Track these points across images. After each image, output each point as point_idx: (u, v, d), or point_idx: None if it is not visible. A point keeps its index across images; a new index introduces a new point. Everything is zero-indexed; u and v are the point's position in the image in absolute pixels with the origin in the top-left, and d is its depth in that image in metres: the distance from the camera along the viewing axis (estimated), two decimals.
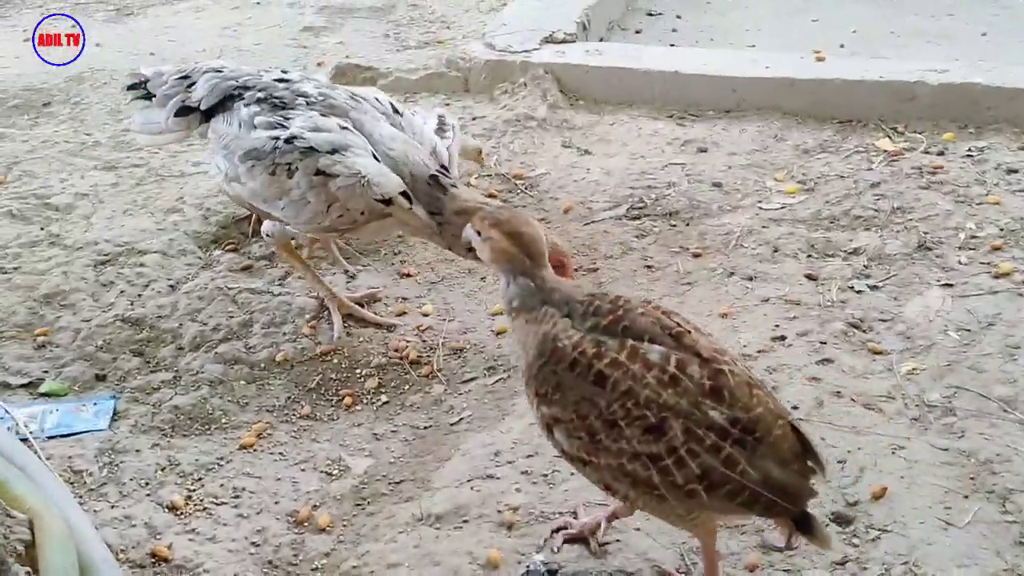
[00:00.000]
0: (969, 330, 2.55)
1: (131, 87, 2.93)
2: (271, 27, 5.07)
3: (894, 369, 2.42)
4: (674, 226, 3.22)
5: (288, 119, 2.56)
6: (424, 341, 2.78)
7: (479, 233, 1.85)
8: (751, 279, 2.87)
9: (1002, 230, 2.99)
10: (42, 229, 3.25)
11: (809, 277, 2.85)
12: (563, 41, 4.30)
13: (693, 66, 4.02)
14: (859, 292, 2.77)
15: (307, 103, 2.61)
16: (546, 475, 2.21)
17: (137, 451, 2.34)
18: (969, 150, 3.48)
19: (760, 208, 3.26)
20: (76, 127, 3.97)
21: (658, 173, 3.53)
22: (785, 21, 5.43)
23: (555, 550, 1.99)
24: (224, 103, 2.70)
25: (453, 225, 2.40)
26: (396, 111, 2.70)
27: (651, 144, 3.73)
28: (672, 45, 4.90)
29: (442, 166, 2.57)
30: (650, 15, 5.57)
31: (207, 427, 2.44)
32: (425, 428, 2.45)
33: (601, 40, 4.83)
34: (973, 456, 2.11)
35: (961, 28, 5.26)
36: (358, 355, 2.72)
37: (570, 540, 2.01)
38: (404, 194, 2.48)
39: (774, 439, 1.62)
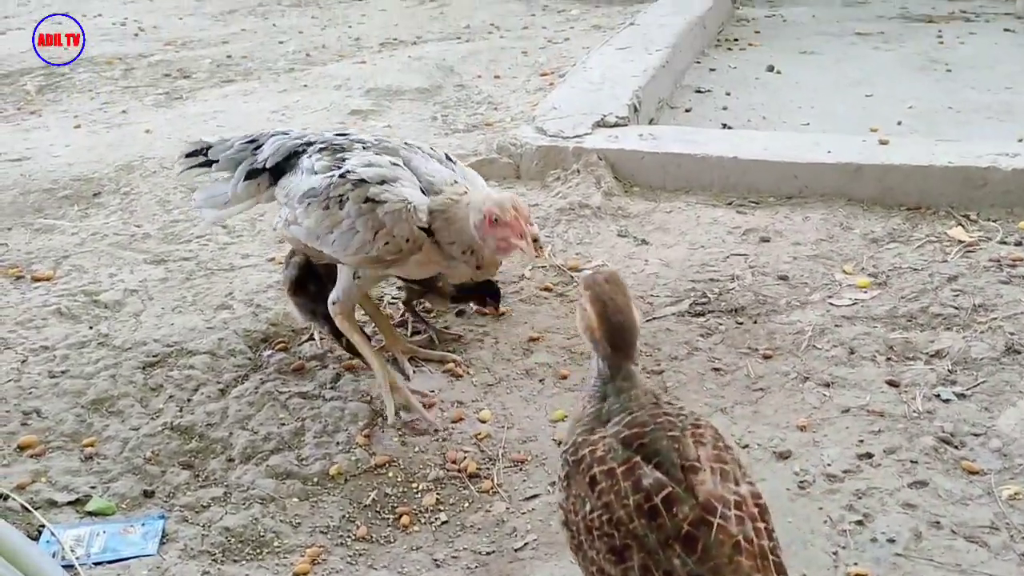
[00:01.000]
0: None
1: (190, 154, 2.97)
2: (319, 110, 5.08)
3: (994, 493, 2.24)
4: (740, 323, 3.08)
5: (344, 160, 2.71)
6: (483, 451, 2.65)
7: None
8: (828, 385, 2.72)
9: None
10: (91, 328, 3.18)
11: (891, 384, 2.69)
12: (615, 125, 4.23)
13: (752, 151, 3.91)
14: (946, 401, 2.60)
15: (363, 147, 2.75)
16: None
17: None
18: None
19: (831, 304, 3.11)
20: (126, 218, 3.95)
21: (720, 265, 3.41)
22: (838, 97, 5.35)
23: None
24: (289, 160, 2.82)
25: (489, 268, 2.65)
26: (449, 159, 2.80)
27: (711, 233, 3.61)
28: (724, 124, 4.83)
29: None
30: (699, 92, 5.52)
31: (259, 551, 2.31)
32: (488, 554, 2.30)
33: (651, 121, 4.77)
34: None
35: (1021, 102, 5.13)
36: (414, 467, 2.59)
37: None
38: None
39: None
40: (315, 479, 2.55)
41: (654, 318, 3.15)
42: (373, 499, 2.50)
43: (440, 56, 6.02)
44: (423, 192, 2.63)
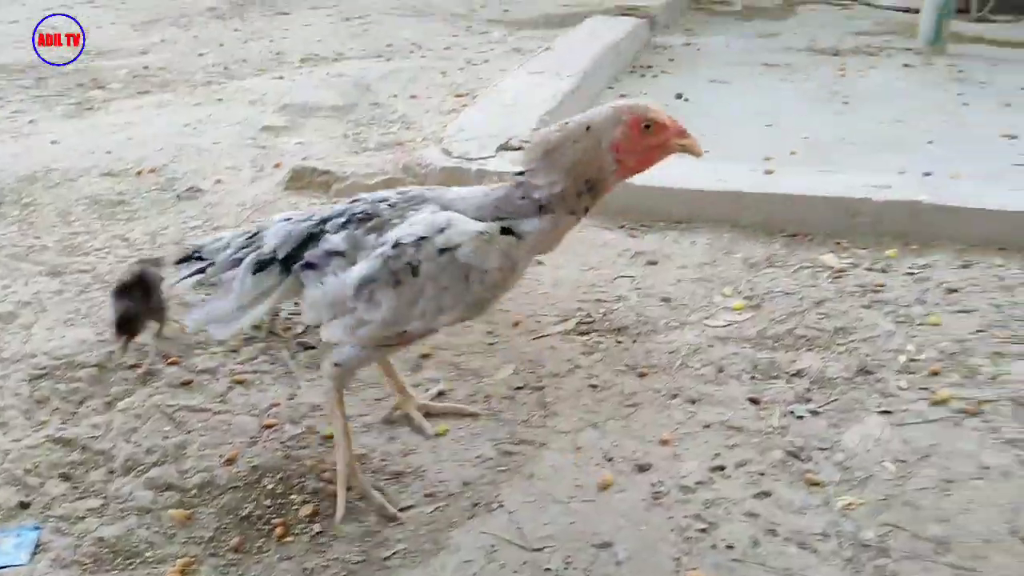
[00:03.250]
0: (905, 461, 2.55)
1: (181, 261, 2.65)
2: (232, 125, 5.12)
3: (831, 504, 2.40)
4: (621, 343, 3.22)
5: (379, 229, 2.37)
6: (363, 463, 2.74)
7: None
8: (694, 402, 2.87)
9: (941, 353, 3.02)
10: None
11: (752, 401, 2.85)
12: (519, 148, 4.36)
13: (645, 176, 4.06)
14: (800, 417, 2.77)
15: (390, 205, 2.44)
16: None
17: None
18: (911, 268, 3.54)
19: (707, 325, 3.28)
20: (24, 229, 3.94)
21: (608, 286, 3.56)
22: (740, 125, 5.57)
23: None
24: (305, 247, 2.43)
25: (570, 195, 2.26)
26: None
27: (602, 255, 3.76)
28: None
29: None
30: None
31: (130, 562, 2.36)
32: (357, 563, 2.39)
33: None
34: None
35: (909, 135, 5.41)
36: (294, 479, 2.67)
37: None
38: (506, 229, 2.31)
39: None
40: (194, 491, 2.61)
41: (541, 336, 3.28)
42: (250, 511, 2.56)
43: (359, 74, 6.10)
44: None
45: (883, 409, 2.77)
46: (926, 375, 2.92)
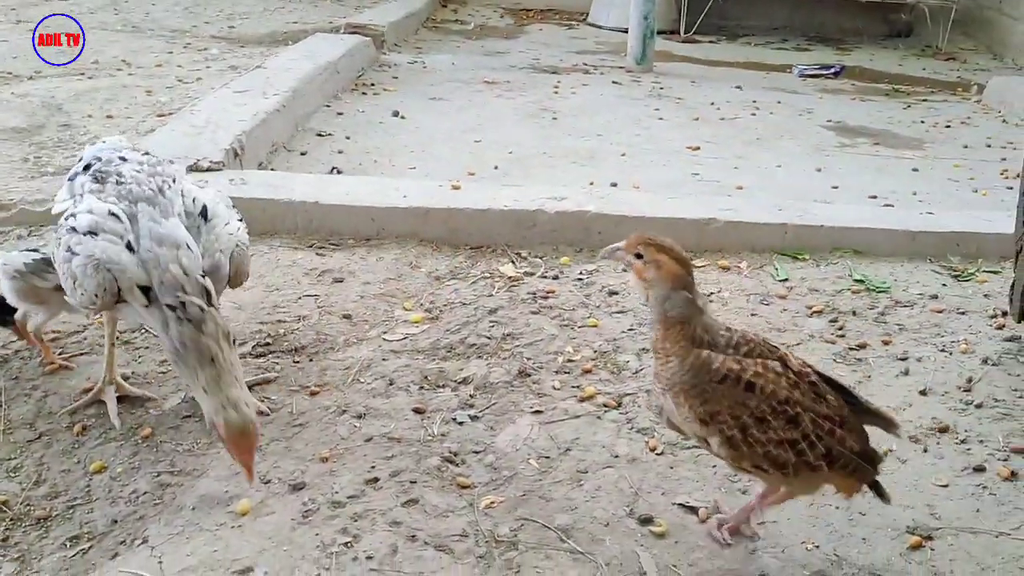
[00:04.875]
0: (548, 457, 2.72)
1: None
2: None
3: (475, 504, 2.52)
4: (298, 362, 3.21)
5: None
6: (3, 512, 2.56)
7: (640, 256, 2.15)
8: (361, 416, 2.91)
9: (595, 352, 3.25)
10: None
11: (416, 411, 2.94)
12: (208, 169, 4.26)
13: (334, 195, 4.11)
14: (460, 423, 2.88)
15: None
16: None
17: None
18: (580, 273, 3.79)
19: (384, 339, 3.34)
20: None
21: (291, 306, 3.54)
22: (451, 141, 5.75)
23: (724, 543, 2.36)
24: None
25: None
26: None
27: (288, 275, 3.75)
28: (334, 168, 5.01)
29: None
30: (320, 135, 5.69)
31: None
32: None
33: (261, 164, 4.85)
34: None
35: (606, 148, 5.80)
36: None
37: (734, 531, 2.38)
38: None
39: (852, 422, 2.17)
40: None
41: None
42: None
43: (50, 94, 5.73)
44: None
45: (535, 409, 2.94)
46: (579, 374, 3.13)
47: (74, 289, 2.67)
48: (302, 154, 5.28)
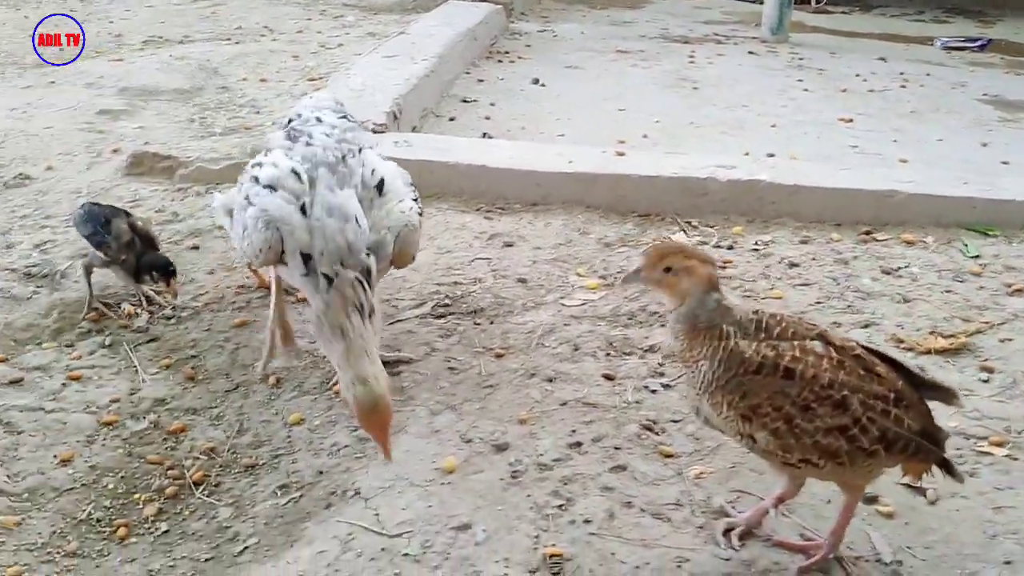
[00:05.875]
0: None
1: None
2: (65, 109, 4.81)
3: (683, 474, 2.47)
4: (479, 324, 3.21)
5: None
6: (213, 458, 2.62)
7: (669, 269, 2.01)
8: (551, 380, 2.88)
9: None
10: None
11: (607, 377, 2.89)
12: (372, 132, 4.27)
13: (500, 160, 4.08)
14: (653, 392, 2.83)
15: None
16: None
17: None
18: (756, 244, 3.68)
19: (563, 304, 3.30)
20: None
21: (465, 268, 3.54)
22: (594, 110, 5.66)
23: (737, 547, 2.18)
24: None
25: None
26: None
27: (458, 238, 3.74)
28: (485, 133, 4.99)
29: None
30: (465, 102, 5.67)
31: None
32: (207, 560, 2.29)
33: (414, 128, 4.86)
34: (753, 565, 2.16)
35: (754, 119, 5.63)
36: (137, 477, 2.53)
37: (744, 535, 2.21)
38: None
39: (910, 397, 1.98)
40: (25, 495, 2.43)
41: (397, 320, 3.23)
42: (88, 513, 2.41)
43: (205, 57, 5.86)
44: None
45: None
46: None
47: (242, 238, 2.67)
48: (450, 119, 5.27)
